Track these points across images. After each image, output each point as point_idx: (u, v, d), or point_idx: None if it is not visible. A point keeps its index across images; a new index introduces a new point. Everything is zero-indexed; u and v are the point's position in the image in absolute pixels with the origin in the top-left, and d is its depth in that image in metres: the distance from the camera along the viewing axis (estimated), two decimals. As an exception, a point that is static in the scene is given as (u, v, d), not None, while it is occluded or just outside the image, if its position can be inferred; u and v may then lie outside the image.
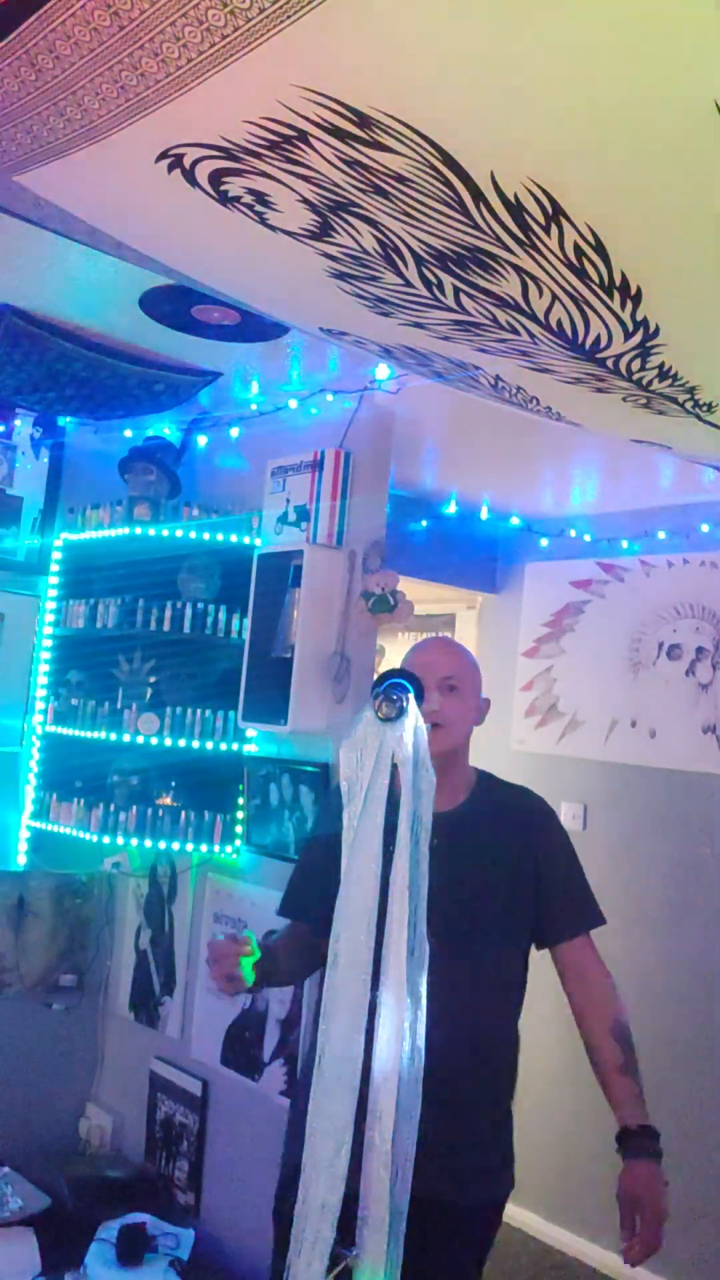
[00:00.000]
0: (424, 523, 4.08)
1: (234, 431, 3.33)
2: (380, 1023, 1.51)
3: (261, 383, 3.15)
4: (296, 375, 3.03)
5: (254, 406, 3.25)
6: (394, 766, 1.55)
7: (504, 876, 2.13)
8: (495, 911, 2.12)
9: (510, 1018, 2.16)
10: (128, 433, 3.53)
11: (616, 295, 1.42)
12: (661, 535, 3.92)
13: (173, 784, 3.21)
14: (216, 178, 1.32)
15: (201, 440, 3.48)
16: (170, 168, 1.32)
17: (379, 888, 1.54)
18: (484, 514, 4.17)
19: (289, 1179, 1.93)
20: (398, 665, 1.97)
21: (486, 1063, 2.11)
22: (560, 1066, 3.93)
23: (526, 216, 1.25)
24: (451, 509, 4.06)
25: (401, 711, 1.53)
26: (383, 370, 2.83)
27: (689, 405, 1.84)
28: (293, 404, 3.11)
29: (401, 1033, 1.51)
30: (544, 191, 1.20)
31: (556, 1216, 3.85)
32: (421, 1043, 1.52)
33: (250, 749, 3.09)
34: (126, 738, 3.10)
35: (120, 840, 3.10)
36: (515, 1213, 3.97)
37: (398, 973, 1.51)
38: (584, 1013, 2.14)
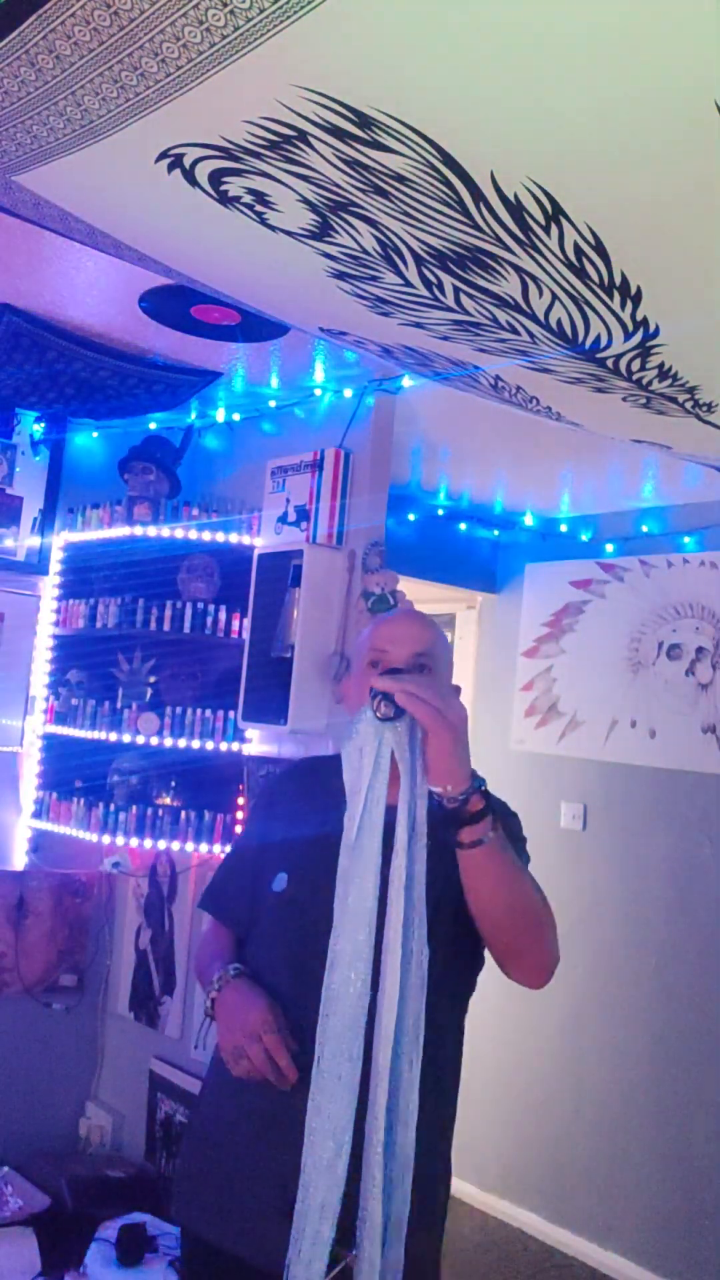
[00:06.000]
0: (423, 522, 4.08)
1: (234, 432, 3.33)
2: (379, 1022, 1.51)
3: (262, 382, 3.15)
4: (297, 375, 3.03)
5: (254, 406, 3.25)
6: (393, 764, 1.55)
7: (452, 883, 1.62)
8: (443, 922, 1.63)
9: (449, 1039, 1.70)
10: (128, 433, 3.53)
11: (616, 295, 1.42)
12: (661, 536, 3.92)
13: (173, 784, 3.21)
14: (216, 178, 1.32)
15: (202, 440, 3.48)
16: (170, 168, 1.31)
17: (378, 888, 1.53)
18: (485, 513, 4.16)
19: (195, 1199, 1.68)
20: (364, 640, 1.76)
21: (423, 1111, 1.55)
22: (558, 1066, 3.94)
23: (526, 216, 1.25)
24: (451, 508, 4.05)
25: (401, 711, 1.53)
26: (385, 371, 2.83)
27: (689, 405, 1.84)
28: (293, 404, 3.11)
29: (401, 1031, 1.51)
30: (544, 191, 1.20)
31: (556, 1216, 3.85)
32: (421, 1042, 1.52)
33: (250, 749, 3.09)
34: (126, 738, 3.10)
35: (120, 840, 3.10)
36: (515, 1213, 3.97)
37: (395, 973, 1.50)
38: None
